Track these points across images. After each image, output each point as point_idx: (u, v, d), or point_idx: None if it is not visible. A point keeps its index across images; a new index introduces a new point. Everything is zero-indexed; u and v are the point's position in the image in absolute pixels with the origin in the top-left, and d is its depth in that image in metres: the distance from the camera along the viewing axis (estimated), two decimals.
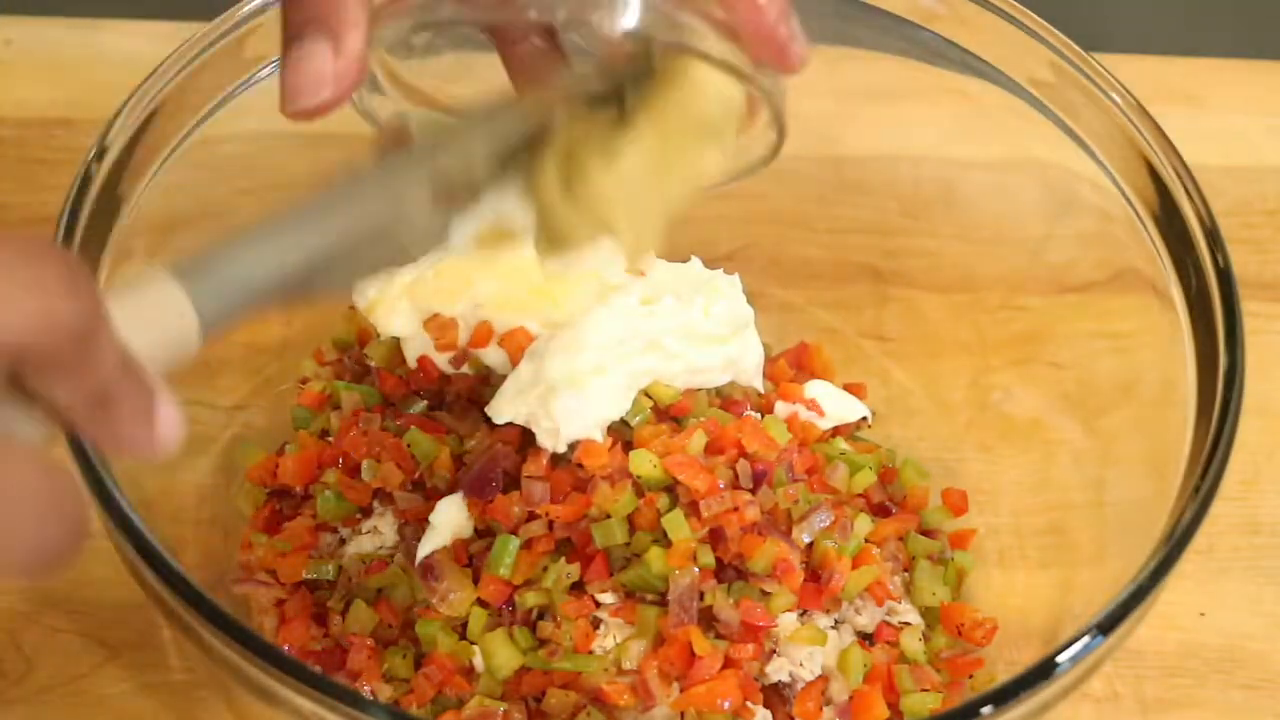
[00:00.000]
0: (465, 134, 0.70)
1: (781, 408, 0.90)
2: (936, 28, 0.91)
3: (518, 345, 0.86)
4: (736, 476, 0.83)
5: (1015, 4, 0.89)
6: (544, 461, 0.82)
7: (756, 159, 0.77)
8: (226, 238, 0.62)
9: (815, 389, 0.91)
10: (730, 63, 0.68)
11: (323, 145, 0.94)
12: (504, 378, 0.85)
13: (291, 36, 0.65)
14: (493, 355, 0.88)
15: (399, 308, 0.89)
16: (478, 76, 0.78)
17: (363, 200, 0.66)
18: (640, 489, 0.81)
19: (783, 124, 0.72)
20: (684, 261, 0.92)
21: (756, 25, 0.68)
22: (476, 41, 0.77)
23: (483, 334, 0.88)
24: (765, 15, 0.68)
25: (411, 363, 0.89)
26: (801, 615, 0.84)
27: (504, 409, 0.83)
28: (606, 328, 0.85)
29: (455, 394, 0.89)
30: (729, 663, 0.80)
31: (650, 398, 0.84)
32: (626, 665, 0.80)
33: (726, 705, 0.79)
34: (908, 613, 0.88)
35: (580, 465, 0.81)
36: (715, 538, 0.81)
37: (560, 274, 0.88)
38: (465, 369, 0.88)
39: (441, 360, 0.88)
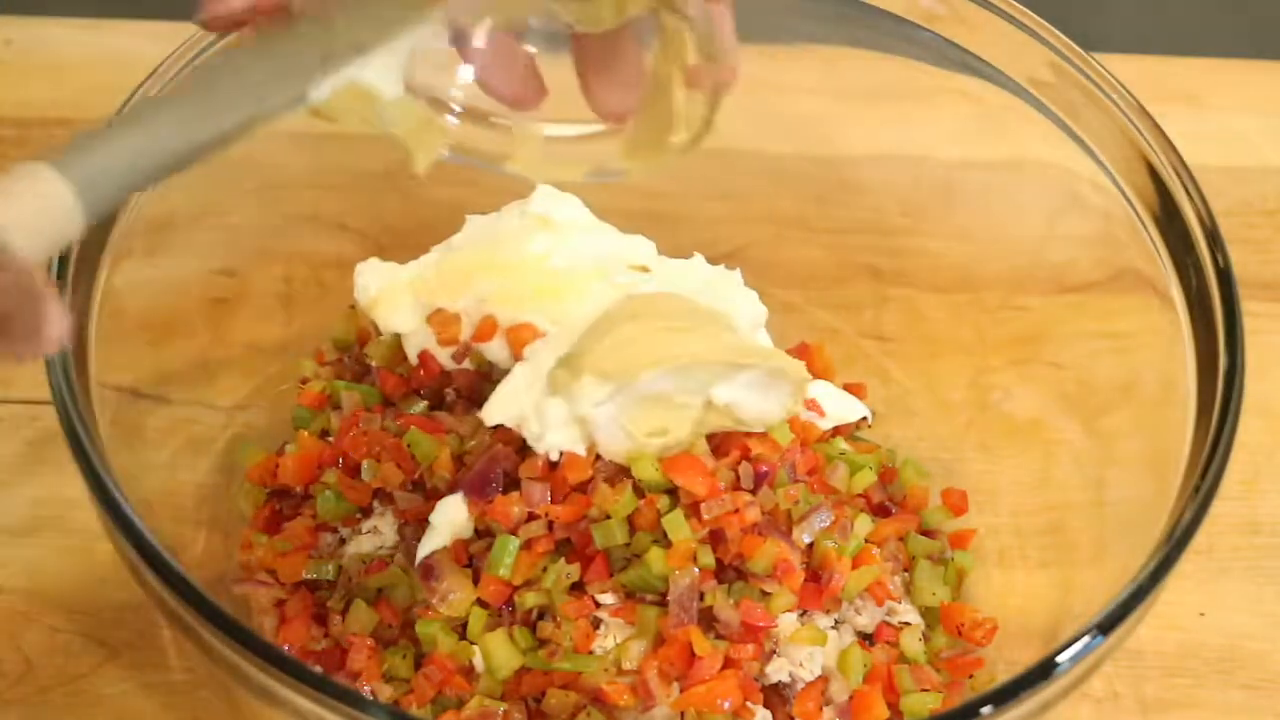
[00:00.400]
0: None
1: None
2: (936, 28, 0.91)
3: (522, 340, 0.86)
4: (738, 478, 0.83)
5: (1015, 4, 0.89)
6: (543, 462, 0.82)
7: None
8: (108, 122, 0.62)
9: (815, 389, 0.91)
10: None
11: (323, 145, 0.95)
12: (506, 373, 0.85)
13: None
14: (496, 350, 0.88)
15: (401, 303, 0.90)
16: None
17: (245, 74, 0.67)
18: (640, 490, 0.81)
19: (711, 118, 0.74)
20: (687, 259, 0.92)
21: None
22: None
23: (487, 328, 0.88)
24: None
25: (413, 358, 0.89)
26: (801, 615, 0.84)
27: (496, 412, 0.83)
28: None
29: (455, 391, 0.89)
30: (729, 663, 0.80)
31: None
32: (626, 665, 0.80)
33: (726, 705, 0.79)
34: (908, 613, 0.88)
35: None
36: (715, 538, 0.81)
37: (565, 271, 0.88)
38: (467, 364, 0.88)
39: (443, 355, 0.88)
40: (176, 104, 0.65)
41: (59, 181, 0.59)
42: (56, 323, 0.58)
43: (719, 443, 0.84)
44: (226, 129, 0.65)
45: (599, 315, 0.84)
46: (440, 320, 0.88)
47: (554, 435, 0.81)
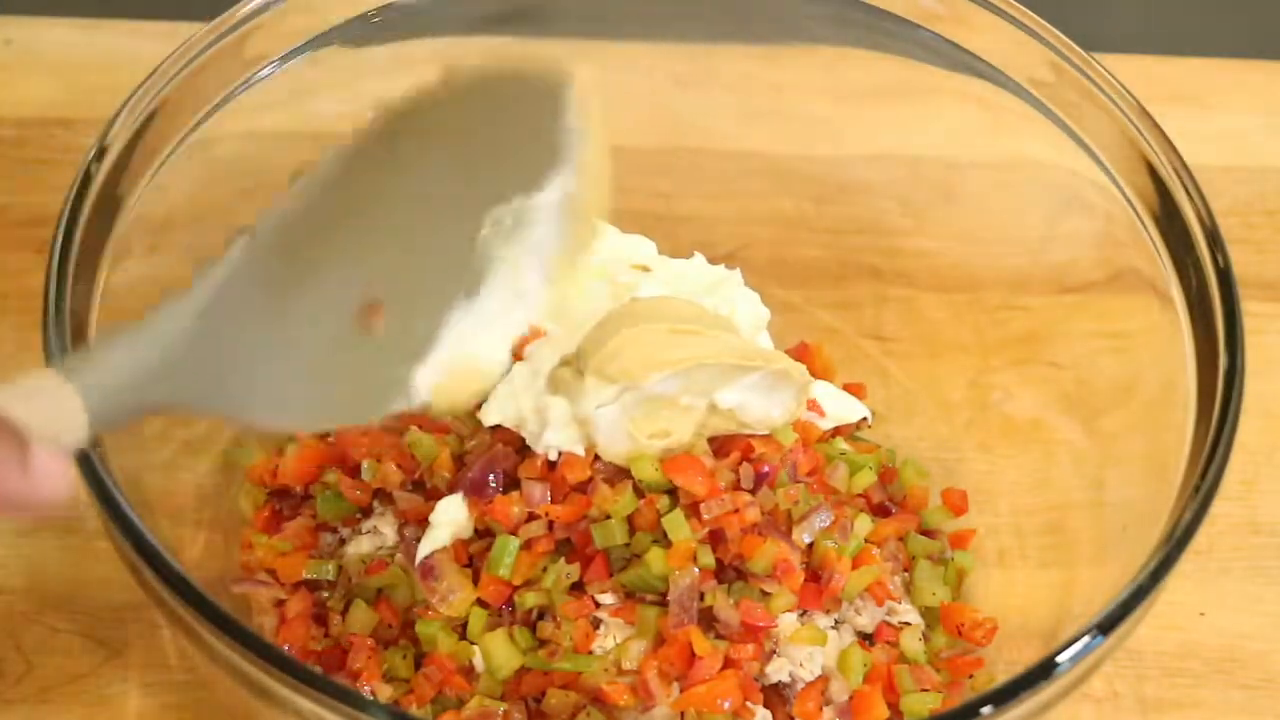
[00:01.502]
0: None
1: None
2: (936, 28, 0.91)
3: (523, 340, 0.86)
4: (738, 478, 0.83)
5: (1015, 4, 0.89)
6: (543, 462, 0.82)
7: None
8: (143, 349, 0.62)
9: (815, 389, 0.91)
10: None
11: (322, 145, 0.95)
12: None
13: None
14: None
15: None
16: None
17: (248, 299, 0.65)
18: (640, 490, 0.81)
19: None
20: (687, 258, 0.92)
21: None
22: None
23: None
24: None
25: None
26: (801, 615, 0.84)
27: (494, 412, 0.83)
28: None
29: None
30: (729, 663, 0.80)
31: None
32: (626, 665, 0.80)
33: (726, 705, 0.79)
34: (908, 613, 0.88)
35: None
36: (715, 538, 0.81)
37: (570, 272, 0.88)
38: None
39: None
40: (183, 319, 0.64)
41: (70, 394, 0.60)
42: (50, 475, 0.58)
43: (720, 443, 0.84)
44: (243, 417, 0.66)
45: (603, 317, 0.84)
46: None
47: (553, 435, 0.81)
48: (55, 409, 0.59)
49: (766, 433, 0.85)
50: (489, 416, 0.83)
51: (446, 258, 0.68)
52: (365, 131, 0.67)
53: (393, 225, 0.67)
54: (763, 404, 0.84)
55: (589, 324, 0.84)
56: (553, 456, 0.82)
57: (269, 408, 0.65)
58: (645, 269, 0.91)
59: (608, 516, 0.80)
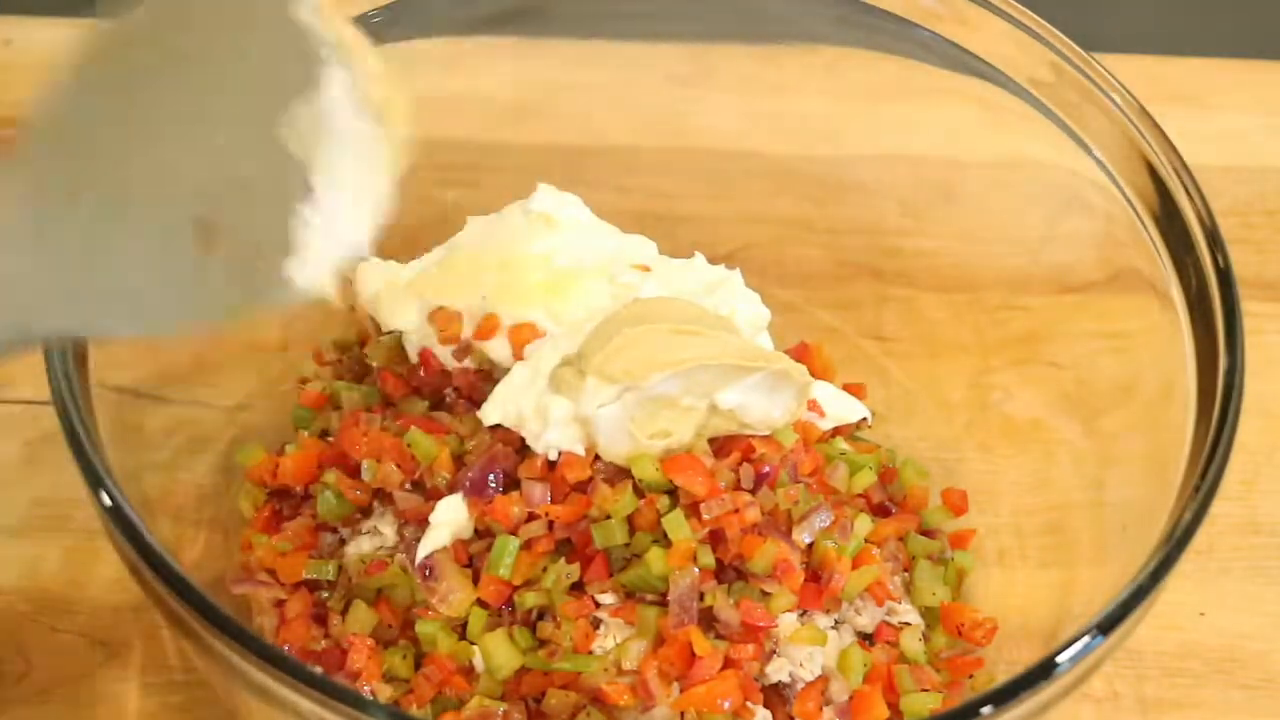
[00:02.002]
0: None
1: None
2: (936, 28, 0.91)
3: (524, 339, 0.86)
4: (738, 478, 0.83)
5: (1015, 4, 0.89)
6: (542, 462, 0.82)
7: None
8: None
9: (816, 390, 0.91)
10: None
11: None
12: (505, 371, 0.85)
13: None
14: (498, 348, 0.87)
15: (402, 302, 0.89)
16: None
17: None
18: (640, 490, 0.81)
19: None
20: (688, 259, 0.92)
21: None
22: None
23: (489, 326, 0.87)
24: None
25: (413, 357, 0.89)
26: (801, 615, 0.84)
27: (494, 412, 0.83)
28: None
29: (455, 391, 0.89)
30: (729, 663, 0.80)
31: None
32: (626, 665, 0.80)
33: (726, 705, 0.79)
34: (908, 613, 0.88)
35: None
36: (715, 538, 0.81)
37: (568, 270, 0.88)
38: (468, 363, 0.88)
39: (444, 354, 0.88)
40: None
41: None
42: None
43: (720, 444, 0.84)
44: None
45: (605, 317, 0.84)
46: (442, 318, 0.88)
47: (553, 434, 0.81)
48: None
49: (767, 433, 0.85)
50: (489, 416, 0.83)
51: (262, 162, 0.64)
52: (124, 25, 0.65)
53: (188, 134, 0.65)
54: (764, 405, 0.84)
55: (589, 324, 0.84)
56: (553, 456, 0.82)
57: (120, 318, 0.64)
58: (646, 269, 0.91)
59: (608, 516, 0.81)
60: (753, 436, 0.84)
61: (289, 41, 0.63)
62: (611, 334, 0.82)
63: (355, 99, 0.63)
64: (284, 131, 0.62)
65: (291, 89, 0.62)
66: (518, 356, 0.86)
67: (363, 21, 0.88)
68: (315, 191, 0.63)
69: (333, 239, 0.64)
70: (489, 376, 0.87)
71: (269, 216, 0.63)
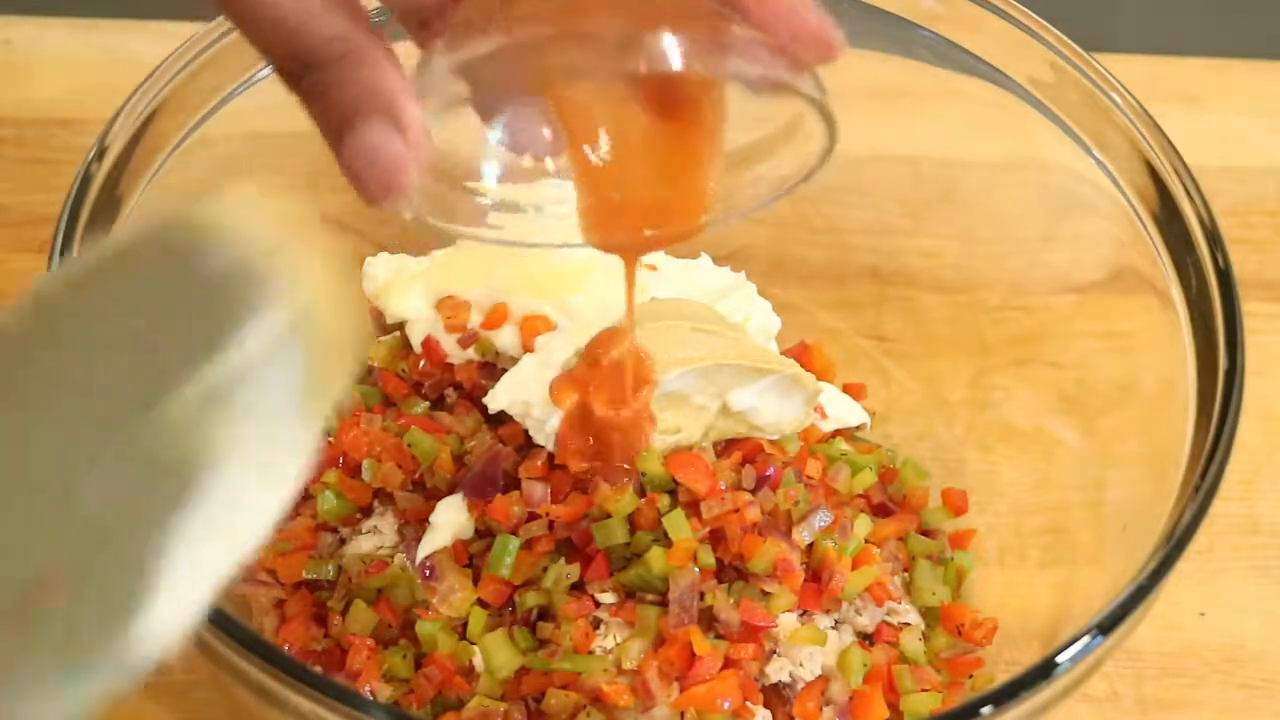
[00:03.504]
0: None
1: None
2: (936, 28, 0.91)
3: (534, 330, 0.86)
4: (740, 478, 0.83)
5: (1015, 4, 0.89)
6: (543, 461, 0.82)
7: (805, 167, 0.71)
8: None
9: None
10: (771, 78, 0.63)
11: (322, 145, 0.94)
12: (512, 362, 0.85)
13: (343, 125, 0.59)
14: (506, 338, 0.88)
15: (410, 290, 0.90)
16: None
17: None
18: (641, 489, 0.81)
19: (833, 124, 0.66)
20: (694, 258, 0.92)
21: (791, 25, 0.62)
22: None
23: (498, 315, 0.88)
24: (799, 12, 0.62)
25: (416, 346, 0.89)
26: (801, 615, 0.84)
27: (500, 398, 0.83)
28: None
29: (457, 387, 0.89)
30: (729, 663, 0.80)
31: None
32: (626, 665, 0.80)
33: (726, 705, 0.79)
34: (908, 613, 0.88)
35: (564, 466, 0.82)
36: (716, 538, 0.81)
37: (580, 264, 0.88)
38: (472, 352, 0.88)
39: (449, 342, 0.88)
40: None
41: None
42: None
43: (725, 445, 0.84)
44: None
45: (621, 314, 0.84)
46: (450, 306, 0.88)
47: (556, 423, 0.81)
48: None
49: (775, 438, 0.85)
50: (495, 401, 0.83)
51: (132, 471, 0.50)
52: None
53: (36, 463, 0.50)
54: (775, 409, 0.84)
55: (598, 319, 0.84)
56: (554, 447, 0.82)
57: None
58: (653, 269, 0.91)
59: (608, 515, 0.81)
60: (760, 440, 0.84)
61: (191, 304, 0.51)
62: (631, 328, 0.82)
63: (288, 344, 0.52)
64: (180, 410, 0.49)
65: (180, 367, 0.50)
66: (526, 348, 0.86)
67: None
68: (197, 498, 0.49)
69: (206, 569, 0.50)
70: (492, 369, 0.88)
71: (124, 556, 0.49)
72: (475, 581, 0.82)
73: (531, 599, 0.81)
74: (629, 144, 0.69)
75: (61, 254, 0.77)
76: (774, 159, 0.71)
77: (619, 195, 0.70)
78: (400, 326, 0.91)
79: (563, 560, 0.81)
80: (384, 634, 0.84)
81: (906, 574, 0.90)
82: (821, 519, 0.84)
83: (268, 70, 0.87)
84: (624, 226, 0.72)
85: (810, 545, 0.84)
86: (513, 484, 0.82)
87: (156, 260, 0.52)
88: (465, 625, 0.82)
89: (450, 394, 0.89)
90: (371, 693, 0.81)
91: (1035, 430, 0.96)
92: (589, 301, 0.88)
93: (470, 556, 0.83)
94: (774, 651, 0.82)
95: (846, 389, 0.96)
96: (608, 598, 0.81)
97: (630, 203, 0.71)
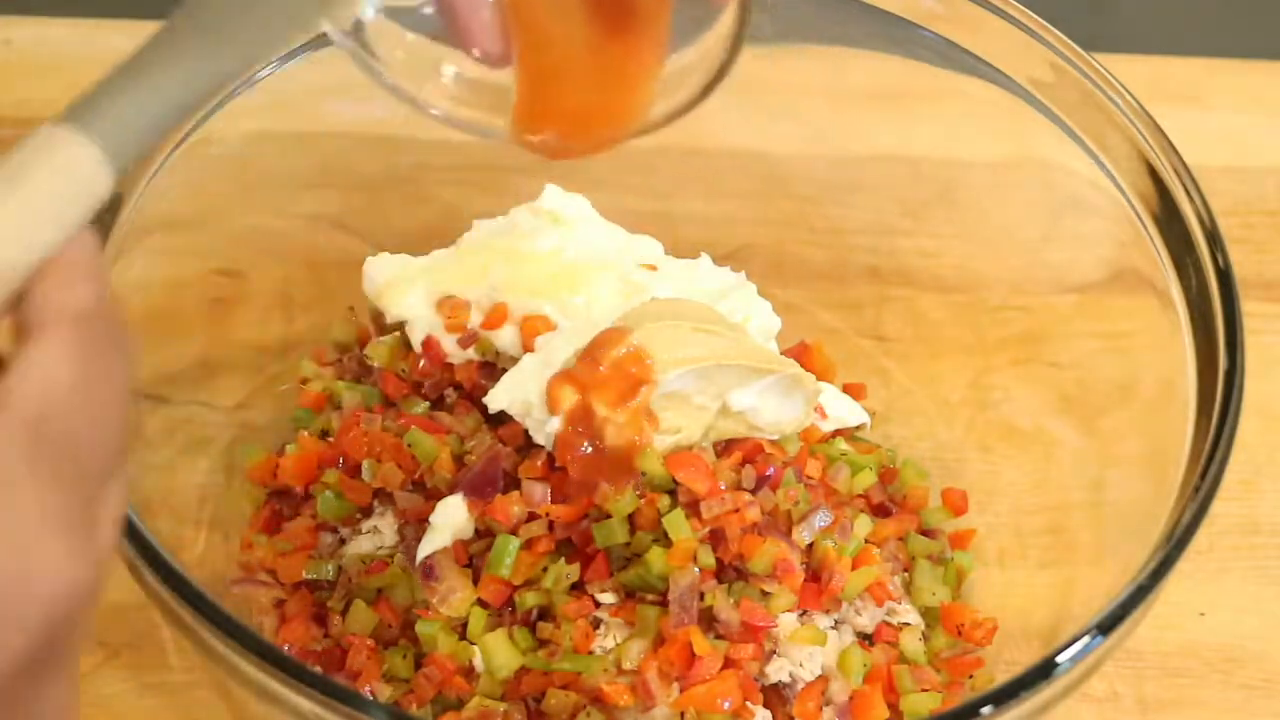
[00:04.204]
0: None
1: None
2: (936, 28, 0.91)
3: (534, 330, 0.86)
4: (740, 479, 0.83)
5: (1015, 4, 0.89)
6: (543, 461, 0.82)
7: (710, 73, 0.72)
8: (121, 66, 0.58)
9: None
10: None
11: (323, 145, 0.95)
12: (512, 361, 0.85)
13: None
14: (506, 338, 0.88)
15: (410, 290, 0.90)
16: None
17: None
18: (641, 489, 0.81)
19: (741, 32, 0.69)
20: (694, 258, 0.92)
21: None
22: None
23: (498, 315, 0.88)
24: None
25: (416, 346, 0.89)
26: (801, 615, 0.84)
27: (500, 397, 0.83)
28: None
29: (457, 388, 0.89)
30: (729, 663, 0.80)
31: None
32: (626, 665, 0.80)
33: (726, 705, 0.79)
34: (908, 613, 0.88)
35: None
36: (715, 538, 0.81)
37: (579, 264, 0.89)
38: (472, 352, 0.88)
39: (449, 342, 0.88)
40: (192, 36, 0.60)
41: (81, 144, 0.54)
42: None
43: (725, 445, 0.84)
44: (245, 61, 0.60)
45: (624, 313, 0.84)
46: (450, 306, 0.89)
47: (556, 424, 0.81)
48: (64, 173, 0.54)
49: (775, 438, 0.85)
50: (495, 401, 0.83)
51: None
52: None
53: None
54: (775, 409, 0.84)
55: (599, 318, 0.84)
56: (552, 446, 0.82)
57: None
58: (653, 269, 0.91)
59: (608, 515, 0.81)
60: (760, 440, 0.84)
61: None
62: (631, 327, 0.82)
63: None
64: None
65: None
66: (527, 348, 0.86)
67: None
68: None
69: None
70: (492, 369, 0.88)
71: None
72: (475, 581, 0.82)
73: (531, 599, 0.81)
74: (570, 43, 0.70)
75: None
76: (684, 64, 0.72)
77: (552, 91, 0.71)
78: (400, 326, 0.91)
79: (563, 560, 0.81)
80: (384, 634, 0.84)
81: (906, 574, 0.90)
82: (821, 519, 0.84)
83: (268, 70, 0.87)
84: (549, 122, 0.73)
85: (810, 545, 0.84)
86: (513, 484, 0.82)
87: None
88: (465, 625, 0.82)
89: (450, 394, 0.89)
90: (371, 693, 0.81)
91: (1035, 430, 0.96)
92: (589, 301, 0.88)
93: (470, 556, 0.82)
94: (774, 651, 0.82)
95: (846, 389, 0.96)
96: (608, 598, 0.81)
97: (560, 102, 0.72)
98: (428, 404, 0.89)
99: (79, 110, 0.55)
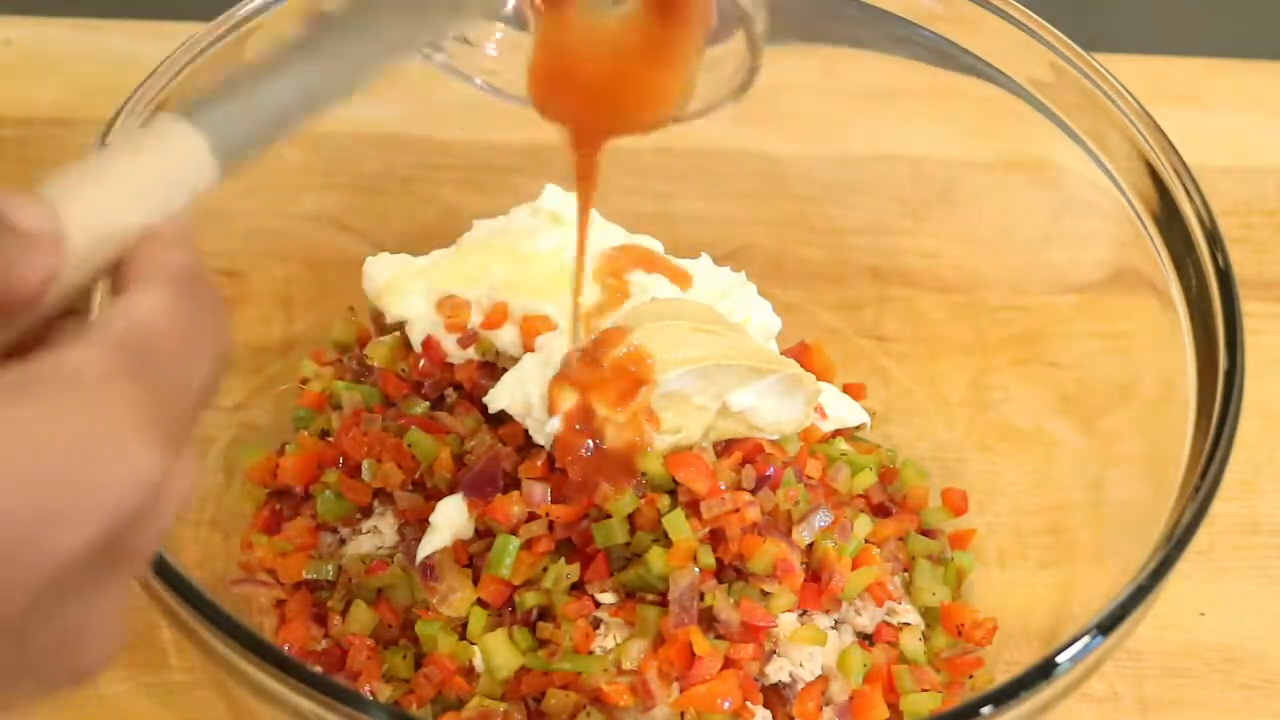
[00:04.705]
0: None
1: None
2: (936, 28, 0.91)
3: (535, 330, 0.86)
4: (740, 479, 0.83)
5: (1015, 4, 0.89)
6: (543, 461, 0.82)
7: (732, 85, 0.75)
8: (243, 71, 0.62)
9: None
10: None
11: (323, 145, 0.95)
12: (512, 361, 0.85)
13: None
14: (506, 338, 0.88)
15: (411, 290, 0.90)
16: None
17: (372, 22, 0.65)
18: (641, 489, 0.81)
19: (757, 45, 0.71)
20: (694, 259, 0.92)
21: None
22: None
23: (498, 314, 0.88)
24: None
25: (416, 345, 0.89)
26: (801, 615, 0.84)
27: (501, 397, 0.83)
28: None
29: (457, 388, 0.89)
30: (729, 663, 0.80)
31: None
32: (626, 665, 0.80)
33: (726, 705, 0.79)
34: (908, 613, 0.88)
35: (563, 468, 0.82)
36: (715, 538, 0.81)
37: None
38: (472, 352, 0.88)
39: (449, 342, 0.88)
40: (308, 53, 0.63)
41: (190, 135, 0.58)
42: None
43: (725, 445, 0.84)
44: (357, 79, 0.64)
45: (624, 313, 0.84)
46: (450, 305, 0.89)
47: (556, 424, 0.81)
48: (172, 157, 0.58)
49: (775, 438, 0.85)
50: (495, 401, 0.83)
51: None
52: None
53: None
54: (774, 409, 0.84)
55: (600, 318, 0.84)
56: (552, 446, 0.82)
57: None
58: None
59: (608, 515, 0.81)
60: (760, 440, 0.84)
61: None
62: (631, 327, 0.82)
63: None
64: None
65: None
66: (527, 347, 0.86)
67: None
68: None
69: None
70: (492, 369, 0.88)
71: None
72: (475, 581, 0.82)
73: (531, 599, 0.81)
74: (606, 23, 0.72)
75: None
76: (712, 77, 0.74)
77: (579, 61, 0.73)
78: (400, 326, 0.91)
79: (563, 560, 0.81)
80: (384, 634, 0.84)
81: (906, 574, 0.90)
82: (821, 519, 0.84)
83: None
84: (572, 96, 0.74)
85: (810, 545, 0.84)
86: (513, 484, 0.82)
87: None
88: (465, 625, 0.82)
89: (450, 394, 0.89)
90: (371, 693, 0.81)
91: (1035, 430, 0.96)
92: (588, 302, 0.88)
93: (470, 556, 0.83)
94: (774, 651, 0.82)
95: (846, 389, 0.96)
96: (608, 598, 0.81)
97: (587, 73, 0.73)
98: (428, 404, 0.89)
99: (196, 104, 0.59)
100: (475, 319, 0.88)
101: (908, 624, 0.87)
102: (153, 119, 0.59)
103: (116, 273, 0.55)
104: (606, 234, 0.92)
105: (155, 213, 0.57)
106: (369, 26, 0.65)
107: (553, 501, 0.81)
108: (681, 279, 0.89)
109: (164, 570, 0.69)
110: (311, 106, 0.63)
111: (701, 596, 0.80)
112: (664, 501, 0.81)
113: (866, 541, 0.87)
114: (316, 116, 0.63)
